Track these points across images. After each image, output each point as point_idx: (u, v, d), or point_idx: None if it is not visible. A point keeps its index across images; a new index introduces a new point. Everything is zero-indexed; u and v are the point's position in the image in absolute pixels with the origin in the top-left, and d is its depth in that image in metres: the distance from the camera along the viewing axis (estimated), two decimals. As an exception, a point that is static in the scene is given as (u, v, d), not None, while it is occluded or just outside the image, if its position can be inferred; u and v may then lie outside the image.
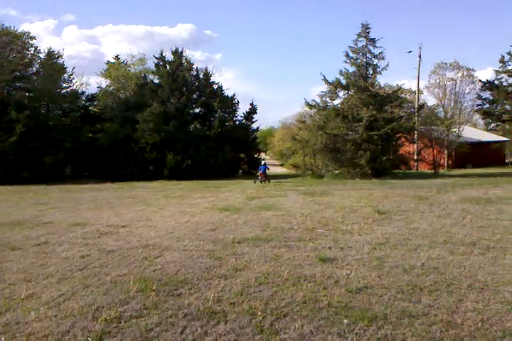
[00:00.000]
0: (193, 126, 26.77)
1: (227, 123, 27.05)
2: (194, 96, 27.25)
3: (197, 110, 27.83)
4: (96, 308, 3.66)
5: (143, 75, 29.61)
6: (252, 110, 28.52)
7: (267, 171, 19.29)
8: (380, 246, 5.72)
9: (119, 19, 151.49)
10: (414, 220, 7.63)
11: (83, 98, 29.29)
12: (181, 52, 27.39)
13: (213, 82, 27.87)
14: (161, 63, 27.25)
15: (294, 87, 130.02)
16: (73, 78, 28.26)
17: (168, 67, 26.96)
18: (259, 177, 18.53)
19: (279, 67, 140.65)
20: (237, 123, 28.32)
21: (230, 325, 3.26)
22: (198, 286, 4.19)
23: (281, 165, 46.15)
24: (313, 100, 21.85)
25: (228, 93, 28.01)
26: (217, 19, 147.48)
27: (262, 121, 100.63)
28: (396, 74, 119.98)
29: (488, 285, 4.04)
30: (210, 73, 27.98)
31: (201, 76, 27.79)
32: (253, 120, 28.69)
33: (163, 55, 27.23)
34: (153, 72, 28.76)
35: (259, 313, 3.46)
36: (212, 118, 26.95)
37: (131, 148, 24.73)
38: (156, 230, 7.22)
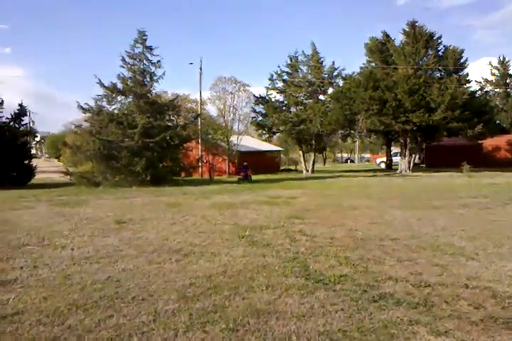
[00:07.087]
0: None
1: (-14, 126, 23.23)
2: None
3: None
4: None
5: None
6: (21, 111, 25.21)
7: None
8: (83, 261, 5.32)
9: None
10: (146, 229, 7.53)
11: None
12: None
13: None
14: None
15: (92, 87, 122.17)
16: None
17: None
18: (241, 177, 23.23)
19: (75, 66, 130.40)
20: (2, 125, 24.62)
21: None
22: None
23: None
24: (87, 104, 20.49)
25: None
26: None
27: (57, 125, 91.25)
28: (187, 85, 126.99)
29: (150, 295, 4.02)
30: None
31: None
32: (22, 122, 25.39)
33: None
34: None
35: None
36: (-35, 120, 22.79)
37: None
38: None
